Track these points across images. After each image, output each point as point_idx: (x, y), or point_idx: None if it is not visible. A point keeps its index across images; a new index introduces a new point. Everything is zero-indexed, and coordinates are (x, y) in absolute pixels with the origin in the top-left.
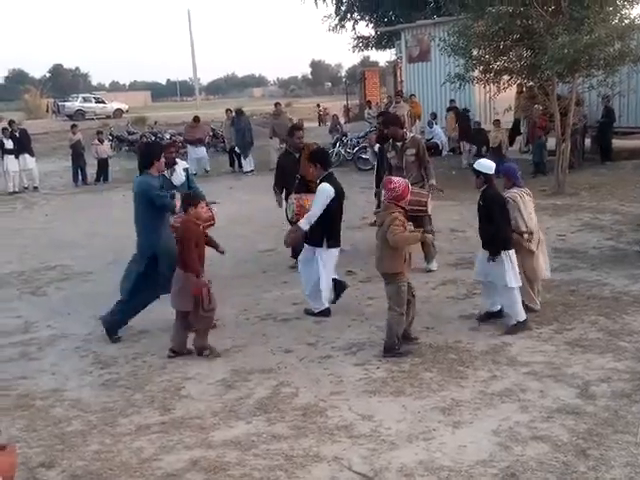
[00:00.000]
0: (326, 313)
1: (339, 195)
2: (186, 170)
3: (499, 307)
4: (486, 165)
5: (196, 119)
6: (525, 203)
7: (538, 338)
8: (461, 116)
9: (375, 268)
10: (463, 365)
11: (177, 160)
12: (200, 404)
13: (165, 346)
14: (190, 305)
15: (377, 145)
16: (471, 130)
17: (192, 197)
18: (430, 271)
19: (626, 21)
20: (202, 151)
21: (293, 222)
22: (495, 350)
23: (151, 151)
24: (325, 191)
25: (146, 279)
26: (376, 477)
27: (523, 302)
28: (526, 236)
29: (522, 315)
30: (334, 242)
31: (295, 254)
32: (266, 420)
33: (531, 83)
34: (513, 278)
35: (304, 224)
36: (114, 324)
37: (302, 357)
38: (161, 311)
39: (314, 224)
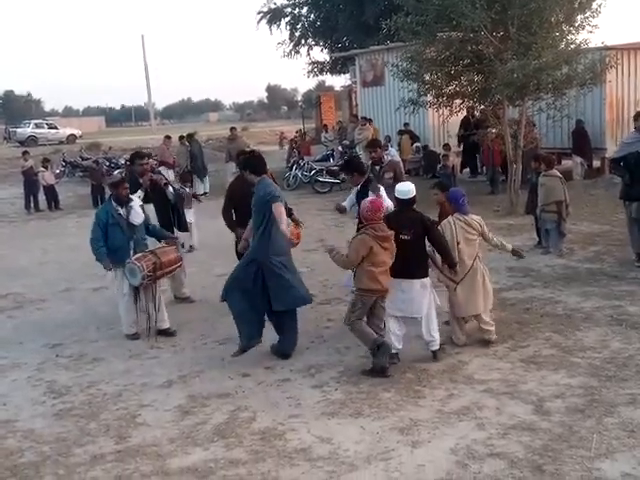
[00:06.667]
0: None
1: None
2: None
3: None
4: (401, 190)
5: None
6: (454, 231)
7: (494, 356)
8: (577, 130)
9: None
10: (421, 384)
11: (133, 197)
12: (156, 431)
13: (120, 373)
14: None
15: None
16: (586, 145)
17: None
18: None
19: (572, 46)
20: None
21: None
22: (452, 369)
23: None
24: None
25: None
26: None
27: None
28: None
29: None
30: None
31: None
32: (224, 446)
33: (482, 107)
34: None
35: None
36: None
37: (260, 381)
38: (113, 338)
39: None
